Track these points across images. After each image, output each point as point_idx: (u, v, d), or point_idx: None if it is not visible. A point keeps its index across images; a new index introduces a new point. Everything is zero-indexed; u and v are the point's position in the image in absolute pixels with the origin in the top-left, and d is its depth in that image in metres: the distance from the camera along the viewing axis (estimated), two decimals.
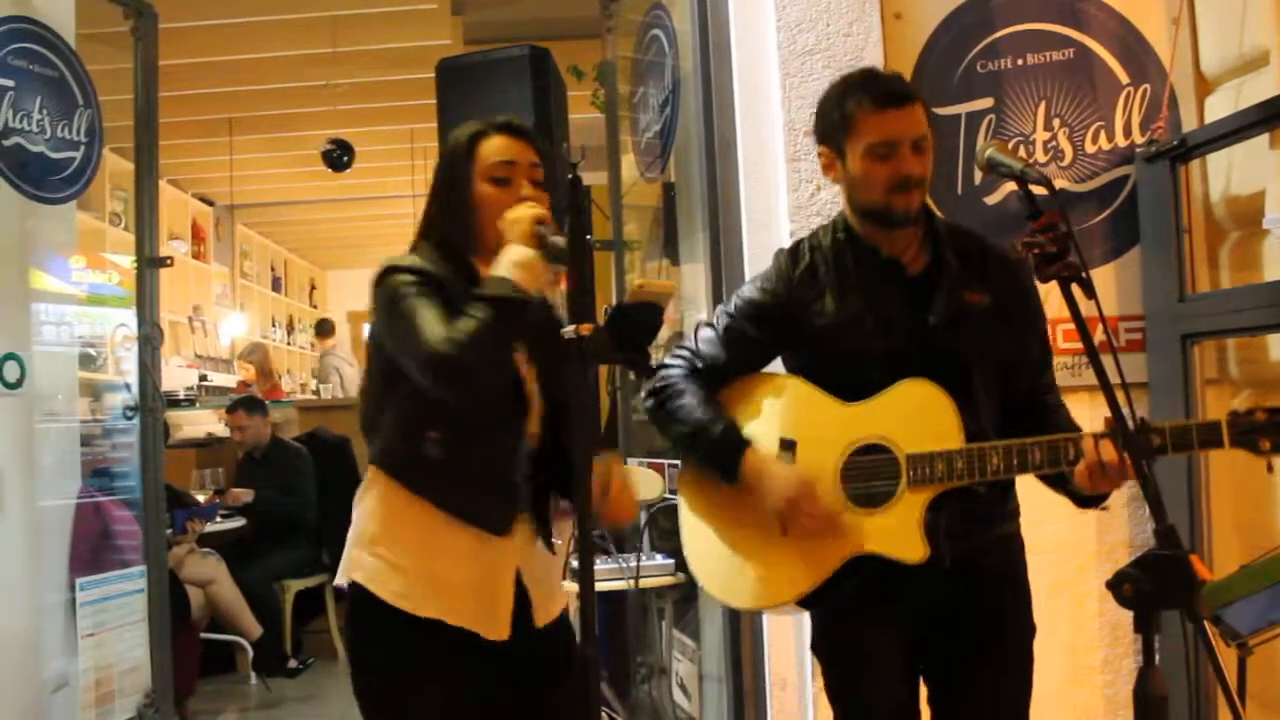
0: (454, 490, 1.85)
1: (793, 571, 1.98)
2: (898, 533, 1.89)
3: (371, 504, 1.91)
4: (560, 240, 1.75)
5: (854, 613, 1.99)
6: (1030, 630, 2.04)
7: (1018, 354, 2.01)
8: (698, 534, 2.11)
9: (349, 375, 9.39)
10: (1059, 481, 1.91)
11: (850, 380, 1.96)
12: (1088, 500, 1.92)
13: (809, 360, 2.06)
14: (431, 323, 1.75)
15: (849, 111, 1.95)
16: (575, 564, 2.48)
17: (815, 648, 2.11)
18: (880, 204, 1.95)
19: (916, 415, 1.91)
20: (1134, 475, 1.73)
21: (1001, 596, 2.02)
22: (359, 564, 1.89)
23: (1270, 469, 1.72)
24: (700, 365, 2.07)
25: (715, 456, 2.01)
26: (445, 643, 1.85)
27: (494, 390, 1.82)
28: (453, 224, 1.90)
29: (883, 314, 1.97)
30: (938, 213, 2.08)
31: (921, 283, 1.99)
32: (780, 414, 2.02)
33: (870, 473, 1.94)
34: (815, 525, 1.92)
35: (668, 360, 2.12)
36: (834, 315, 1.99)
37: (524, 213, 1.81)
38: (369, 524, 1.90)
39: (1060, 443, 1.83)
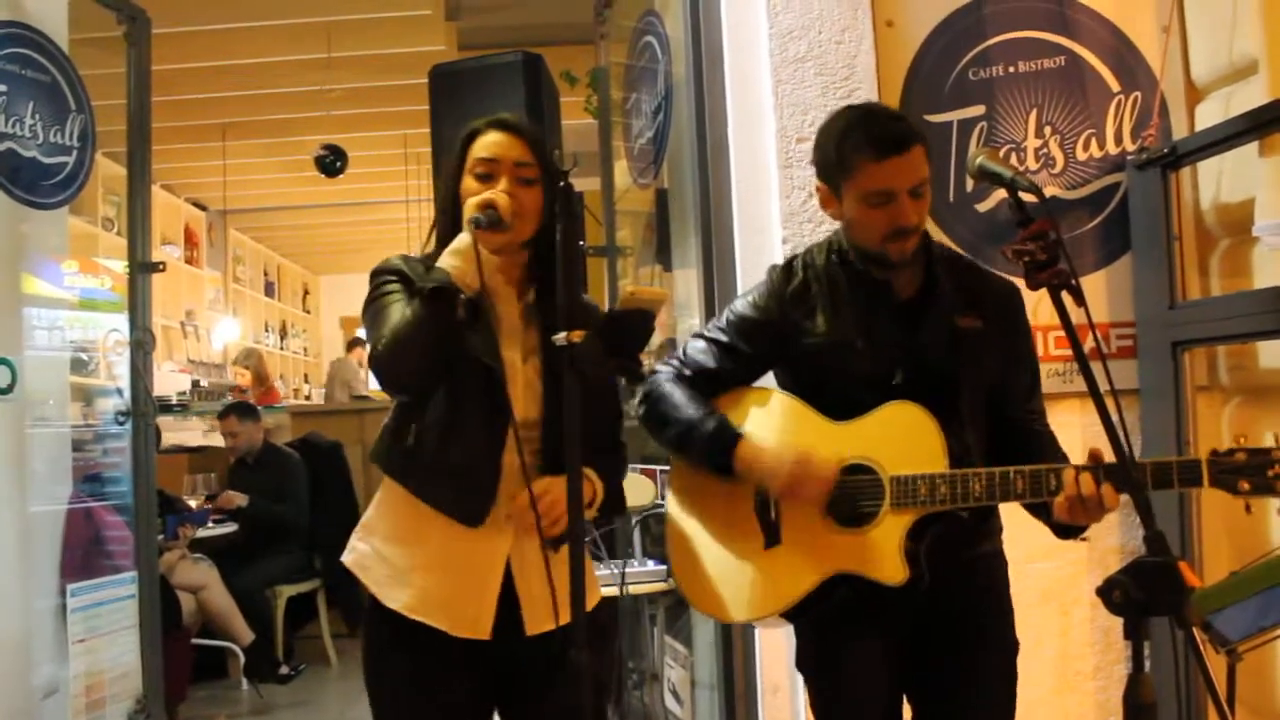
0: (430, 479, 1.90)
1: (775, 586, 1.98)
2: (878, 554, 1.89)
3: (377, 496, 1.99)
4: (482, 216, 1.78)
5: (837, 628, 1.99)
6: (1013, 646, 2.04)
7: (1006, 380, 2.02)
8: (684, 548, 2.10)
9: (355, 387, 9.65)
10: (1041, 510, 1.91)
11: (839, 399, 1.97)
12: (1067, 531, 1.92)
13: (799, 377, 2.06)
14: (382, 323, 1.83)
15: (846, 155, 1.91)
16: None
17: (800, 663, 2.11)
18: (875, 249, 1.95)
19: (902, 438, 1.91)
20: (1114, 506, 1.77)
21: (982, 613, 2.02)
22: (351, 549, 1.98)
23: (1248, 510, 1.73)
24: (688, 373, 2.07)
25: (709, 451, 1.99)
26: (415, 636, 1.89)
27: (424, 378, 1.85)
28: (447, 220, 1.93)
29: (873, 336, 1.97)
30: (936, 233, 2.08)
31: (913, 306, 2.00)
32: (769, 429, 2.02)
33: (854, 493, 1.94)
34: (821, 489, 1.91)
35: (657, 367, 2.12)
36: (824, 335, 2.00)
37: (471, 200, 1.82)
38: (370, 513, 1.99)
39: (1043, 473, 1.83)
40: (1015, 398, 2.03)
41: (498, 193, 1.84)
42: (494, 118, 1.94)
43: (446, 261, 1.80)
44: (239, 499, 5.51)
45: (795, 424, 2.01)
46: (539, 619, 1.89)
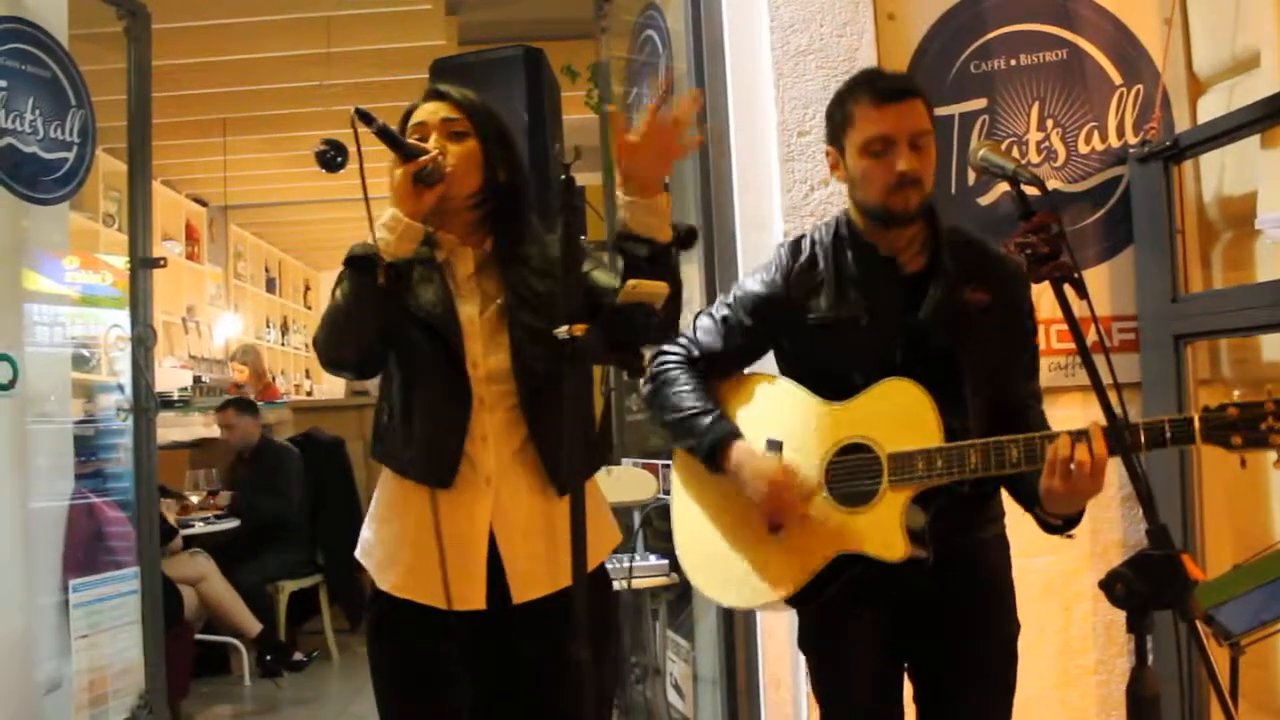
0: (402, 449, 1.90)
1: (779, 571, 1.98)
2: (879, 531, 1.90)
3: (377, 484, 1.99)
4: (424, 171, 1.79)
5: (840, 612, 2.00)
6: (1014, 628, 2.05)
7: (1007, 361, 2.02)
8: (689, 532, 2.12)
9: None
10: (1029, 500, 1.91)
11: (841, 376, 1.97)
12: (1054, 527, 1.91)
13: (803, 355, 2.06)
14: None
15: (848, 108, 1.97)
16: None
17: (802, 645, 2.13)
18: (877, 202, 1.95)
19: (898, 414, 1.92)
20: (1100, 478, 1.75)
21: (984, 597, 2.03)
22: (360, 539, 1.98)
23: (1243, 464, 1.73)
24: (697, 354, 2.09)
25: (703, 444, 2.00)
26: (407, 616, 1.88)
27: (358, 353, 1.86)
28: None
29: (877, 312, 1.98)
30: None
31: (917, 281, 2.00)
32: (767, 414, 2.03)
33: (853, 472, 1.94)
34: (795, 511, 1.92)
35: (666, 348, 2.12)
36: (829, 310, 2.00)
37: (394, 172, 1.82)
38: (372, 502, 1.99)
39: (1036, 440, 1.83)
40: (1015, 379, 2.03)
41: (427, 146, 1.84)
42: (427, 90, 1.97)
43: (377, 234, 1.81)
44: (224, 498, 5.56)
45: (793, 408, 2.02)
46: (525, 586, 1.87)
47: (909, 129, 1.92)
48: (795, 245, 2.09)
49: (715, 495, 2.08)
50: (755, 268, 2.16)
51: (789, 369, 2.09)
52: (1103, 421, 1.67)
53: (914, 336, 1.96)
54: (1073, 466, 1.75)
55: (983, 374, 1.97)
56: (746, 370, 2.16)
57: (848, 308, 1.99)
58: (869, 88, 1.97)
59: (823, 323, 2.00)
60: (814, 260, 2.05)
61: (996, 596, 2.06)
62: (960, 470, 1.86)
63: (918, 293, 1.99)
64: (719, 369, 2.09)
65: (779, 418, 2.02)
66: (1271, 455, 1.71)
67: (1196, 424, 1.74)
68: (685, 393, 2.03)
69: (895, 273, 2.01)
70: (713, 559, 2.07)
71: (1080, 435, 1.76)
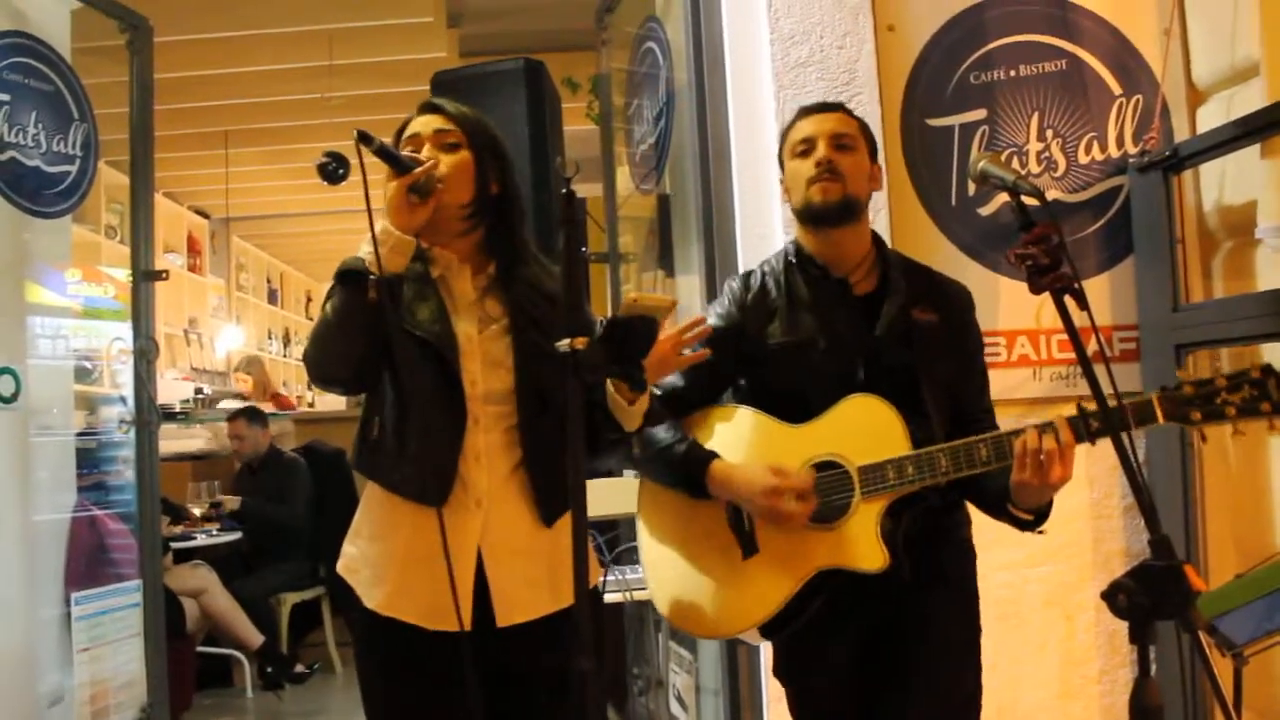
0: (393, 466, 1.86)
1: (758, 595, 1.97)
2: (856, 544, 1.91)
3: (361, 499, 1.97)
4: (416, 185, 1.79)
5: (814, 635, 1.99)
6: (978, 633, 2.07)
7: (960, 377, 2.06)
8: (661, 568, 2.10)
9: None
10: (999, 506, 1.94)
11: (802, 400, 2.00)
12: (1025, 523, 1.94)
13: (761, 383, 2.08)
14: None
15: (784, 132, 2.14)
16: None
17: (776, 670, 2.12)
18: (803, 200, 2.03)
19: (864, 429, 1.94)
20: (1069, 464, 1.81)
21: (954, 606, 2.05)
22: (342, 554, 1.95)
23: (1204, 439, 1.81)
24: (658, 393, 2.07)
25: (682, 472, 2.01)
26: (393, 635, 1.85)
27: (348, 367, 1.83)
28: None
29: (832, 331, 2.01)
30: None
31: (869, 301, 2.05)
32: (731, 444, 2.03)
33: (824, 489, 1.95)
34: (800, 509, 1.91)
35: None
36: (785, 335, 2.04)
37: (388, 186, 1.82)
38: (356, 516, 1.96)
39: (1004, 438, 1.87)
40: (969, 394, 2.08)
41: (420, 157, 1.83)
42: (421, 103, 1.97)
43: (362, 249, 1.79)
44: (231, 503, 5.55)
45: (757, 435, 2.03)
46: (510, 610, 1.84)
47: (829, 130, 2.05)
48: (746, 277, 2.15)
49: (685, 529, 2.07)
50: (708, 305, 2.17)
51: (751, 399, 2.10)
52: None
53: (872, 354, 2.00)
54: (1042, 457, 1.80)
55: (939, 387, 2.01)
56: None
57: (803, 331, 2.03)
58: (800, 109, 2.14)
59: (782, 346, 2.03)
60: (765, 289, 2.09)
61: (965, 604, 2.08)
62: (932, 474, 1.89)
63: (871, 313, 2.03)
64: (683, 407, 2.09)
65: (743, 445, 2.02)
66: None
67: (1156, 404, 1.81)
68: (653, 427, 2.02)
69: (847, 294, 2.05)
70: (688, 592, 2.05)
71: (1046, 426, 1.82)
